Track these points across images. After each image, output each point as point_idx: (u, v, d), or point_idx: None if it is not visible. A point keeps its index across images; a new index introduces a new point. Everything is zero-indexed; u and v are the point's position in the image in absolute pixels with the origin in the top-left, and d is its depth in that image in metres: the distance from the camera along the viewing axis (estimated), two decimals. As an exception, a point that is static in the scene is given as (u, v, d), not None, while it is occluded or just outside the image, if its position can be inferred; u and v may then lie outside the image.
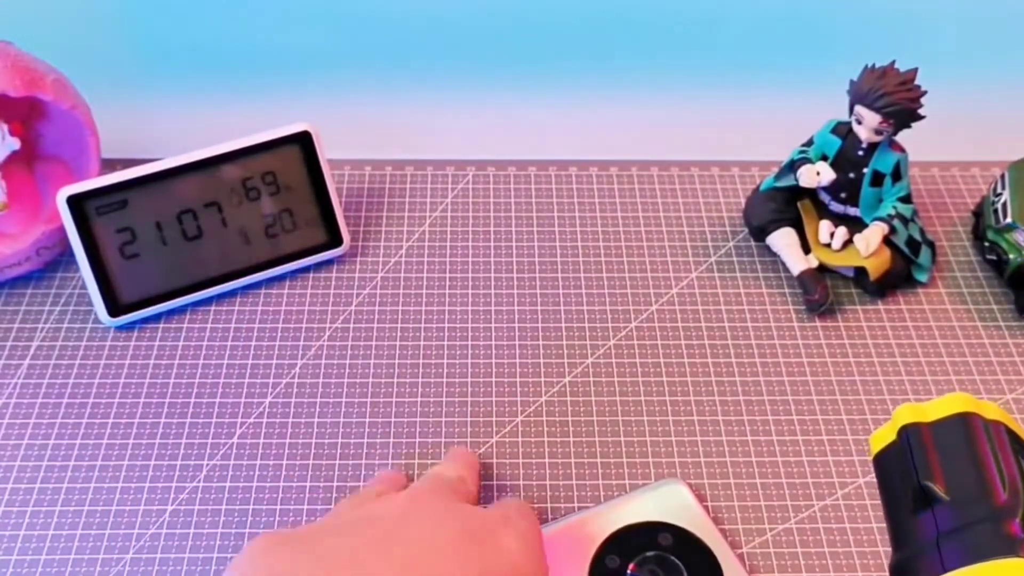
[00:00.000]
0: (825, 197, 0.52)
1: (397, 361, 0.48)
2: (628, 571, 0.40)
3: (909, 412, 0.29)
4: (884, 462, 0.29)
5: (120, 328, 0.49)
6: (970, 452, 0.27)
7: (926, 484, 0.27)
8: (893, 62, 0.48)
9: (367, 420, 0.46)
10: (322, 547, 0.33)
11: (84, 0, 0.62)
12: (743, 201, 0.55)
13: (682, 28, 0.64)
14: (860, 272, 0.51)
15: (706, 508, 0.42)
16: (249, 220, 0.50)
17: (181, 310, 0.50)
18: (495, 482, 0.44)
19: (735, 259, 0.53)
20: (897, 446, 0.29)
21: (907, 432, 0.28)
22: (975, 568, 0.24)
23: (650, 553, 0.40)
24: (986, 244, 0.52)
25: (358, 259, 0.53)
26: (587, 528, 0.41)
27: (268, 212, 0.50)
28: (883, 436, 0.29)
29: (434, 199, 0.56)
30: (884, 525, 0.43)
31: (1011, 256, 0.50)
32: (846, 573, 0.41)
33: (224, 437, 0.45)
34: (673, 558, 0.40)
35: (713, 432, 0.46)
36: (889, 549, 0.42)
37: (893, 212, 0.50)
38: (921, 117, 0.48)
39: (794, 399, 0.47)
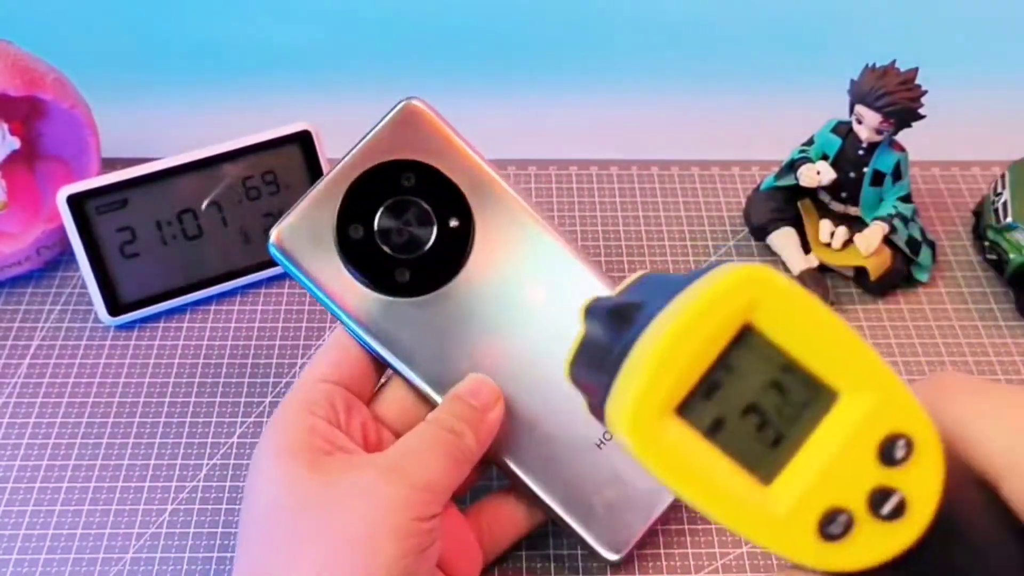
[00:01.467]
0: (825, 196, 0.52)
1: (397, 361, 0.48)
2: (375, 230, 0.36)
3: None
4: None
5: (120, 327, 0.49)
6: None
7: None
8: (893, 61, 0.48)
9: (367, 420, 0.46)
10: None
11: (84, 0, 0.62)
12: (743, 200, 0.55)
13: (682, 27, 0.64)
14: (860, 271, 0.51)
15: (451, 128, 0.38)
16: (249, 219, 0.50)
17: (181, 309, 0.50)
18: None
19: (735, 258, 0.53)
20: None
21: None
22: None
23: (390, 201, 0.36)
24: (986, 244, 0.52)
25: (358, 259, 0.53)
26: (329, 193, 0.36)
27: (268, 211, 0.50)
28: None
29: (434, 199, 0.56)
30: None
31: (1011, 256, 0.50)
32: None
33: (224, 436, 0.45)
34: (419, 200, 0.36)
35: (713, 432, 0.46)
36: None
37: (893, 211, 0.50)
38: (921, 116, 0.48)
39: (794, 399, 0.47)
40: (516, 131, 0.62)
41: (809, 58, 0.63)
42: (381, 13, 0.64)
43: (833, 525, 0.21)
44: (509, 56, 0.64)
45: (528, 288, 0.37)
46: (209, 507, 0.43)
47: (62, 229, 0.49)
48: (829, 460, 0.21)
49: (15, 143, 0.49)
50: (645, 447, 0.21)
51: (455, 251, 0.37)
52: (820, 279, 0.50)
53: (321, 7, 0.64)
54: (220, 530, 0.42)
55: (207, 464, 0.44)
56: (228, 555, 0.41)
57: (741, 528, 0.21)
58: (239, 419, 0.46)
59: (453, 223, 0.37)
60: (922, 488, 0.21)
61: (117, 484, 0.43)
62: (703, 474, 0.21)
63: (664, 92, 0.63)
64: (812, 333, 0.21)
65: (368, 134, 0.37)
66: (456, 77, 0.64)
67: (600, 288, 0.37)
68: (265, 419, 0.46)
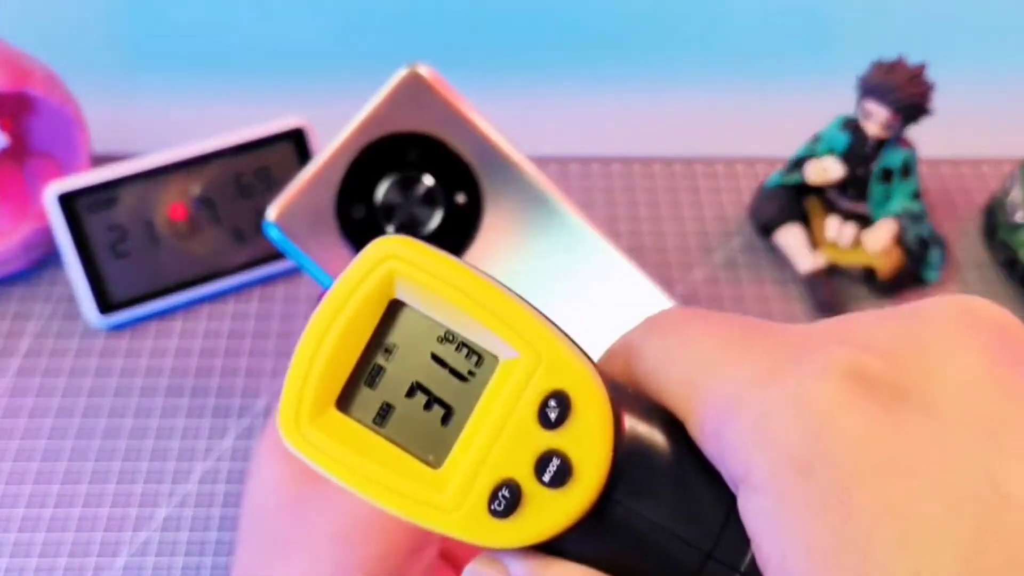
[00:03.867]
0: (833, 194, 0.51)
1: (395, 361, 0.48)
2: (377, 208, 0.34)
3: None
4: None
5: (111, 327, 0.49)
6: None
7: None
8: (901, 56, 0.47)
9: (364, 422, 0.45)
10: None
11: (75, -6, 0.62)
12: (748, 198, 0.54)
13: (686, 22, 0.64)
14: (869, 271, 0.50)
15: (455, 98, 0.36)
16: (242, 217, 0.49)
17: (173, 309, 0.49)
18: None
19: (740, 257, 0.52)
20: None
21: None
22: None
23: (393, 176, 0.35)
24: (997, 243, 0.51)
25: (355, 257, 0.52)
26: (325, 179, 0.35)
27: (262, 209, 0.49)
28: None
29: (433, 195, 0.55)
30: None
31: (1022, 255, 0.49)
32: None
33: (219, 438, 0.44)
34: (424, 176, 0.35)
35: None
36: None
37: (902, 209, 0.49)
38: (930, 112, 0.47)
39: (800, 401, 0.46)
40: (517, 128, 0.60)
41: (816, 53, 0.62)
42: (378, 6, 0.63)
43: (497, 501, 0.20)
44: (509, 51, 0.63)
45: (542, 267, 0.36)
46: (203, 511, 0.42)
47: (50, 227, 0.48)
48: (492, 431, 0.20)
49: (3, 140, 0.48)
50: (305, 451, 0.20)
51: (463, 229, 0.35)
52: (828, 278, 0.50)
53: (317, 1, 0.63)
54: (215, 534, 0.41)
55: (201, 467, 0.43)
56: (222, 559, 0.41)
57: (417, 518, 0.20)
58: (234, 420, 0.45)
59: (461, 199, 0.35)
60: (586, 448, 0.20)
61: (110, 487, 0.43)
62: (368, 470, 0.20)
63: (668, 88, 0.62)
64: (459, 299, 0.20)
65: (369, 104, 0.35)
66: (455, 72, 0.63)
67: (618, 266, 0.35)
68: (261, 420, 0.45)
